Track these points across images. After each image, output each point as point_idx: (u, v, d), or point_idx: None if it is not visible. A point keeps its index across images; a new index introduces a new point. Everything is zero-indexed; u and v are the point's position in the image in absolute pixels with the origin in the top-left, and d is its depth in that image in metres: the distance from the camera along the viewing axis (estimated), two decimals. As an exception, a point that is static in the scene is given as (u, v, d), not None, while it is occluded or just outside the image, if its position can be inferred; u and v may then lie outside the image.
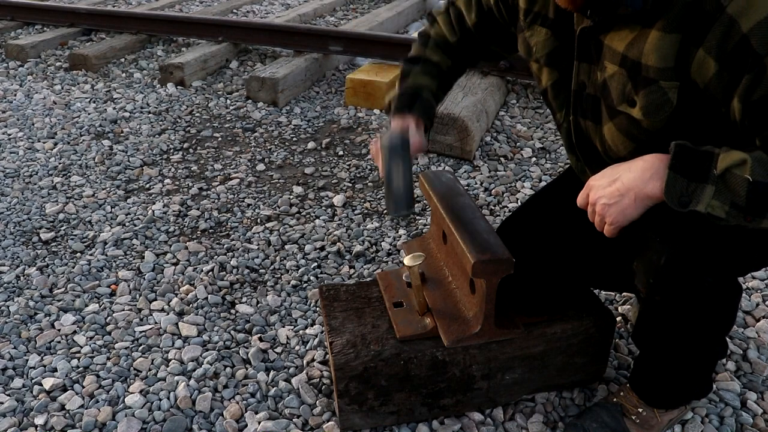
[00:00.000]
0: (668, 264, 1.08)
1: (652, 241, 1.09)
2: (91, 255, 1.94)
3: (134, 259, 1.93)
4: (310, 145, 2.70)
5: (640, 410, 1.32)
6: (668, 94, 0.99)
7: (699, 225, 1.03)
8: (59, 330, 1.63)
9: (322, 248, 1.97)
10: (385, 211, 2.17)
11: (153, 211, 2.18)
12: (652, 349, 1.27)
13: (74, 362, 1.52)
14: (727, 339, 1.60)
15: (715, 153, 0.95)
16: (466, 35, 1.37)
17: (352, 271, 1.87)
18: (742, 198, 0.92)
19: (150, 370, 1.51)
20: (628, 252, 1.16)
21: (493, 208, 2.21)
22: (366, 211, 2.19)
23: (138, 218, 2.14)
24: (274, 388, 1.44)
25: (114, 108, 3.06)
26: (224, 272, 1.86)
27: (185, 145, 2.70)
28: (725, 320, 1.20)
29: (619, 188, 1.02)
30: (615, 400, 1.34)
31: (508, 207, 2.20)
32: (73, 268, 1.88)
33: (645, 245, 1.11)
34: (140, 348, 1.57)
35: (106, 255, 1.94)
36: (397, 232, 2.05)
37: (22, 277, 1.85)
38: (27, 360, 1.54)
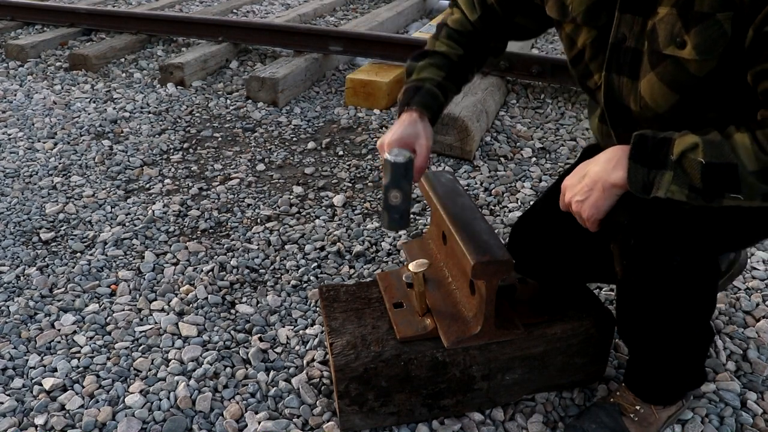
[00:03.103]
0: (638, 244, 1.09)
1: (622, 224, 1.11)
2: (91, 255, 1.95)
3: (134, 259, 1.93)
4: (310, 145, 2.70)
5: (638, 408, 1.32)
6: (723, 26, 0.96)
7: (666, 206, 1.05)
8: (59, 330, 1.63)
9: (322, 248, 1.97)
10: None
11: (153, 211, 2.18)
12: (636, 341, 1.28)
13: (74, 362, 1.52)
14: (728, 337, 1.60)
15: (672, 139, 0.97)
16: (488, 11, 1.32)
17: (352, 271, 1.87)
18: (698, 181, 0.95)
19: (150, 370, 1.51)
20: (608, 237, 1.17)
21: (493, 208, 2.21)
22: (366, 211, 2.19)
23: (138, 218, 2.14)
24: (274, 388, 1.44)
25: (114, 108, 3.06)
26: (224, 272, 1.86)
27: (185, 145, 2.70)
28: (703, 303, 1.19)
29: (587, 183, 1.06)
30: (612, 399, 1.34)
31: (508, 207, 2.20)
32: (73, 268, 1.88)
33: (618, 229, 1.12)
34: (140, 348, 1.57)
35: (106, 255, 1.94)
36: (397, 232, 2.06)
37: (22, 277, 1.85)
38: (27, 360, 1.54)
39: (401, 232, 2.04)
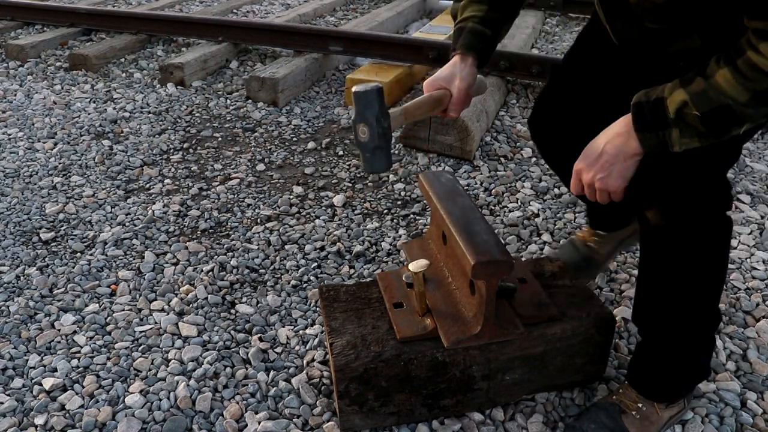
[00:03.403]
0: (678, 198, 1.15)
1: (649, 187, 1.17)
2: (91, 255, 1.95)
3: (134, 259, 1.93)
4: (310, 145, 2.70)
5: (640, 405, 1.31)
6: None
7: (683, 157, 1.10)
8: (59, 330, 1.63)
9: (322, 248, 1.97)
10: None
11: (153, 211, 2.18)
12: (652, 316, 1.27)
13: (74, 362, 1.52)
14: (728, 337, 1.60)
15: (663, 98, 1.02)
16: None
17: (352, 271, 1.87)
18: (702, 129, 1.00)
19: (150, 370, 1.51)
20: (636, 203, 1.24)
21: (493, 208, 2.21)
22: (366, 211, 2.19)
23: (138, 218, 2.14)
24: (274, 388, 1.44)
25: (114, 108, 3.06)
26: (224, 272, 1.86)
27: (185, 145, 2.70)
28: (719, 263, 1.22)
29: (608, 159, 1.10)
30: (614, 398, 1.34)
31: (508, 207, 2.20)
32: (73, 268, 1.88)
33: (648, 191, 1.18)
34: (140, 348, 1.57)
35: (106, 255, 1.94)
36: (397, 232, 2.06)
37: (22, 277, 1.85)
38: (27, 360, 1.54)
39: (401, 232, 2.04)
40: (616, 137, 1.10)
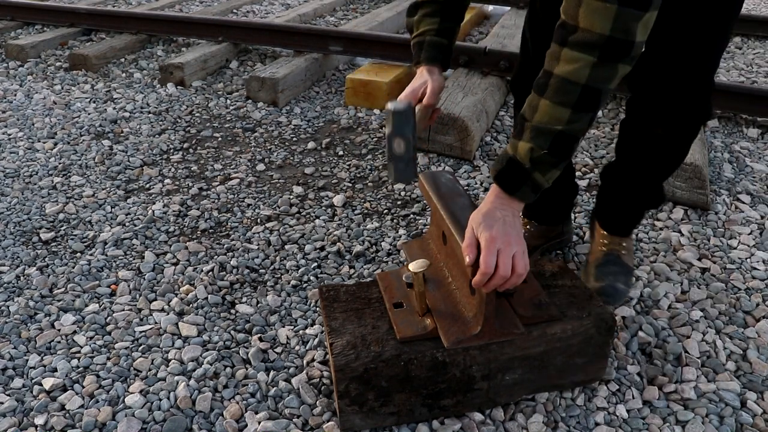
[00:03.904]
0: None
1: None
2: (91, 255, 1.95)
3: (134, 259, 1.93)
4: (310, 145, 2.71)
5: (624, 244, 1.70)
6: None
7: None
8: (59, 330, 1.63)
9: (322, 248, 1.97)
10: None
11: (153, 211, 2.18)
12: (622, 185, 1.62)
13: (74, 362, 1.52)
14: (728, 337, 1.60)
15: (513, 157, 1.16)
16: None
17: (352, 271, 1.87)
18: (553, 160, 1.15)
19: (150, 370, 1.51)
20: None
21: (493, 208, 2.21)
22: (366, 211, 2.19)
23: (138, 218, 2.14)
24: (274, 388, 1.44)
25: (114, 108, 3.06)
26: (224, 272, 1.86)
27: (185, 145, 2.70)
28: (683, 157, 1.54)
29: (502, 237, 1.16)
30: (606, 249, 1.68)
31: (508, 207, 2.20)
32: (73, 268, 1.88)
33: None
34: (140, 348, 1.57)
35: (106, 255, 1.94)
36: (397, 232, 2.06)
37: (22, 277, 1.85)
38: (27, 360, 1.54)
39: (401, 232, 2.04)
40: (499, 215, 1.18)
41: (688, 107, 1.41)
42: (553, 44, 1.09)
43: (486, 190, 2.32)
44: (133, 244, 2.00)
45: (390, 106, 1.24)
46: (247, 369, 1.50)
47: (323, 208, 2.21)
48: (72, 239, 2.03)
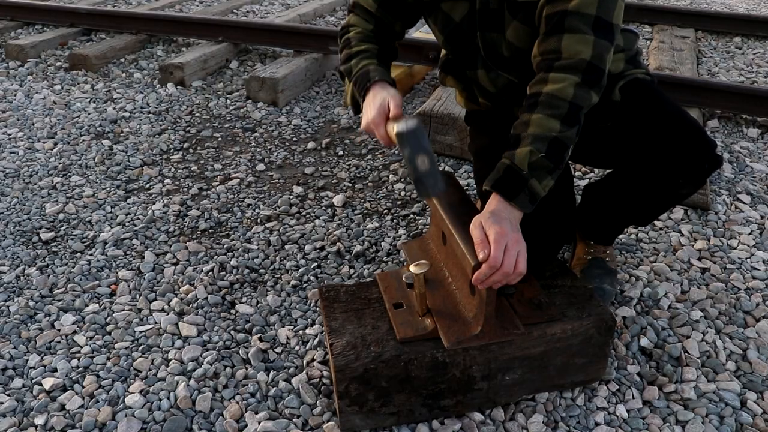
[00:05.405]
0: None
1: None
2: (91, 255, 1.95)
3: (134, 259, 1.93)
4: (310, 145, 2.71)
5: (608, 252, 1.77)
6: None
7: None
8: (59, 330, 1.63)
9: (322, 248, 1.97)
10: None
11: (153, 211, 2.18)
12: (614, 208, 1.62)
13: (74, 362, 1.52)
14: (728, 337, 1.60)
15: (514, 163, 1.21)
16: (378, 21, 1.51)
17: (352, 271, 1.87)
18: (549, 165, 1.22)
19: (150, 370, 1.51)
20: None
21: (493, 208, 2.21)
22: (366, 211, 2.19)
23: (138, 218, 2.14)
24: (274, 388, 1.44)
25: (114, 108, 3.06)
26: (224, 272, 1.86)
27: (185, 145, 2.70)
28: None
29: (503, 240, 1.17)
30: (591, 257, 1.73)
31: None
32: (73, 268, 1.88)
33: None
34: (140, 348, 1.57)
35: (106, 255, 1.94)
36: (397, 232, 2.06)
37: (22, 277, 1.85)
38: (27, 360, 1.54)
39: (401, 232, 2.04)
40: (495, 220, 1.19)
41: (696, 160, 1.40)
42: (539, 74, 1.25)
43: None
44: (133, 244, 2.00)
45: (400, 128, 1.21)
46: (247, 369, 1.50)
47: (323, 208, 2.21)
48: (72, 239, 2.03)
